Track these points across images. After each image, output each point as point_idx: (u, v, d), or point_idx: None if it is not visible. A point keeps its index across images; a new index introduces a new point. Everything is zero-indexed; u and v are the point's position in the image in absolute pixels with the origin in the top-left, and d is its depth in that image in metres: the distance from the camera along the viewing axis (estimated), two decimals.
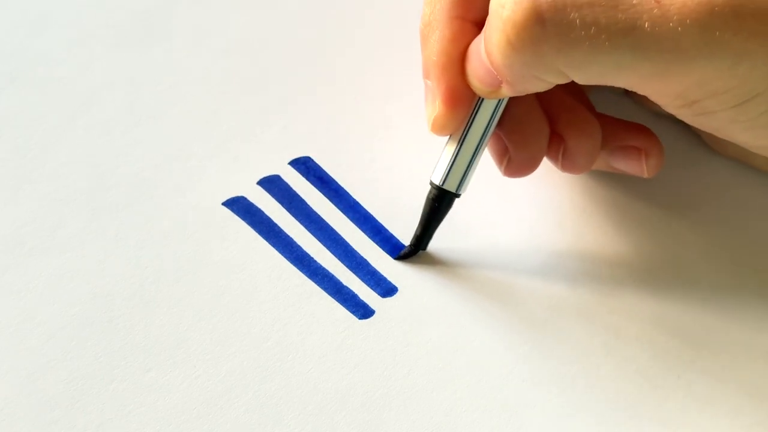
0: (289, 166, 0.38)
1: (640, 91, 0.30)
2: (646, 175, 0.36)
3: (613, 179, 0.38)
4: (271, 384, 0.32)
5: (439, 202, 0.35)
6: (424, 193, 0.35)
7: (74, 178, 0.37)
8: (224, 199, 0.36)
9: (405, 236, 0.36)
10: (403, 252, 0.36)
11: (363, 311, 0.34)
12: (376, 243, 0.36)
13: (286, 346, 0.33)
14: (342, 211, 0.37)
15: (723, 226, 0.37)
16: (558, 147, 0.35)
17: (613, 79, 0.30)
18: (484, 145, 0.34)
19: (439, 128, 0.33)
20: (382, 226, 0.36)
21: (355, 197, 0.37)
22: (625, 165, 0.36)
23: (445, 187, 0.34)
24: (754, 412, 0.33)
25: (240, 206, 0.36)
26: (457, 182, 0.34)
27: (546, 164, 0.36)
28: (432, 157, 0.38)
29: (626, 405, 0.32)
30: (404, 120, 0.39)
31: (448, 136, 0.34)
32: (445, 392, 0.32)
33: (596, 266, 0.36)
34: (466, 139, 0.33)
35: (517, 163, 0.35)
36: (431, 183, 0.34)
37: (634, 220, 0.37)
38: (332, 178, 0.38)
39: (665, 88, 0.30)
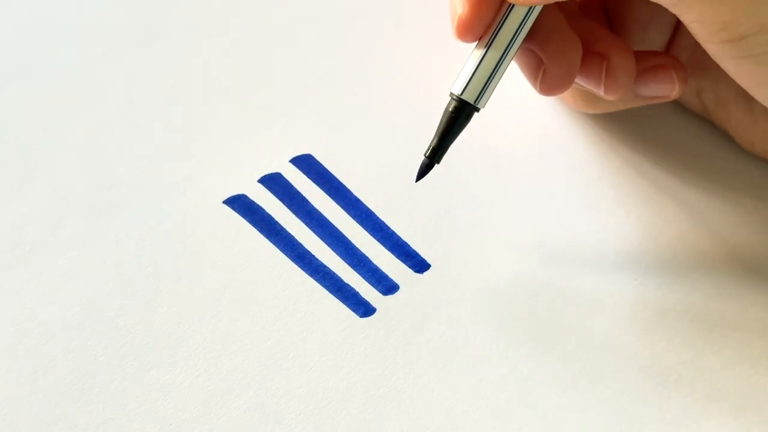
0: (290, 164, 0.38)
1: (684, 15, 0.29)
2: (676, 93, 0.35)
3: (616, 172, 0.38)
4: (271, 383, 0.32)
5: (458, 114, 0.33)
6: (425, 191, 0.35)
7: (74, 177, 0.37)
8: (225, 198, 0.36)
9: (407, 233, 0.36)
10: (420, 169, 0.33)
11: (364, 309, 0.34)
12: (378, 240, 0.36)
13: (287, 345, 0.33)
14: (343, 209, 0.37)
15: (727, 224, 0.37)
16: (600, 65, 0.34)
17: None
18: (510, 55, 0.32)
19: (463, 29, 0.31)
20: (384, 224, 0.36)
21: (356, 194, 0.37)
22: (655, 87, 0.35)
23: (463, 96, 0.32)
24: (757, 412, 0.32)
25: (241, 204, 0.36)
26: (477, 92, 0.32)
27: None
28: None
29: (627, 404, 0.32)
30: (405, 117, 0.39)
31: (474, 46, 0.33)
32: (446, 391, 0.32)
33: (597, 264, 0.36)
34: (491, 46, 0.32)
35: (552, 77, 0.33)
36: (451, 94, 0.33)
37: (639, 220, 0.37)
38: (333, 176, 0.37)
39: (711, 11, 0.28)
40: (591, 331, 0.34)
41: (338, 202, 0.37)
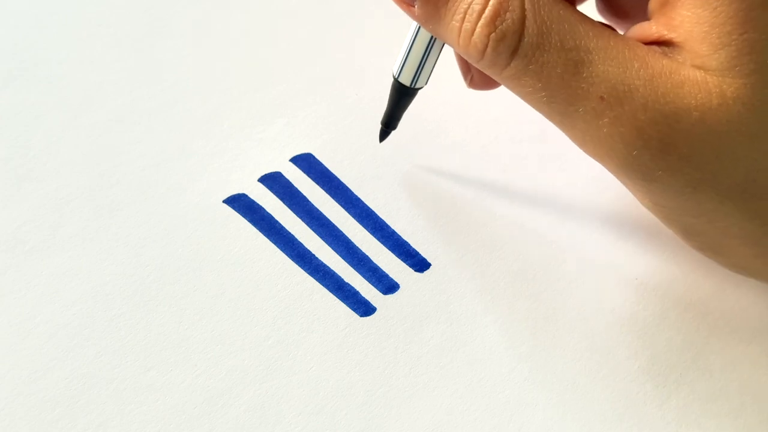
0: (291, 163, 0.38)
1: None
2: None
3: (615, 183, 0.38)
4: (271, 383, 0.32)
5: (401, 94, 0.35)
6: (425, 190, 0.35)
7: (75, 176, 0.37)
8: (225, 197, 0.36)
9: (407, 232, 0.36)
10: (379, 134, 0.37)
11: (364, 309, 0.34)
12: (378, 239, 0.36)
13: (287, 345, 0.33)
14: (344, 208, 0.37)
15: None
16: None
17: None
18: (437, 41, 0.33)
19: None
20: (384, 223, 0.36)
21: (356, 193, 0.37)
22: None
23: (400, 80, 0.34)
24: (757, 411, 0.32)
25: (241, 204, 0.36)
26: (411, 77, 0.34)
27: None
28: (432, 155, 0.38)
29: (628, 404, 0.32)
30: (405, 116, 0.39)
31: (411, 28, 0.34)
32: (446, 391, 0.32)
33: (598, 264, 0.36)
34: (420, 32, 0.33)
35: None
36: (392, 74, 0.35)
37: (638, 219, 0.37)
38: (334, 175, 0.37)
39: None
40: (591, 331, 0.34)
41: (338, 201, 0.37)
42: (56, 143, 0.37)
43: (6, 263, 0.34)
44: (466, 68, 0.35)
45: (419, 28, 0.33)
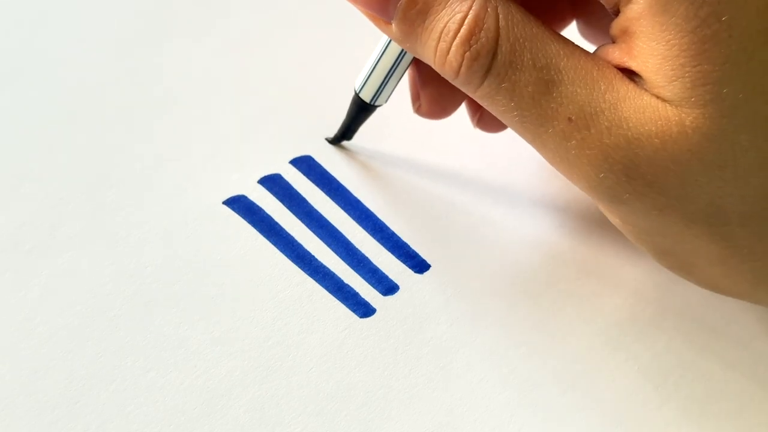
0: (290, 165, 0.38)
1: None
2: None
3: None
4: (271, 384, 0.32)
5: (360, 109, 0.36)
6: (425, 191, 0.35)
7: (74, 177, 0.36)
8: (225, 198, 0.36)
9: (406, 234, 0.36)
10: (332, 142, 0.38)
11: (364, 310, 0.34)
12: (378, 241, 0.36)
13: (287, 346, 0.33)
14: (343, 209, 0.37)
15: None
16: None
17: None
18: (403, 59, 0.34)
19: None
20: (384, 224, 0.36)
21: (356, 195, 0.37)
22: None
23: (361, 95, 0.35)
24: (756, 413, 0.32)
25: (241, 205, 0.36)
26: (372, 94, 0.35)
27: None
28: (432, 156, 0.38)
29: (628, 405, 0.32)
30: (404, 118, 0.39)
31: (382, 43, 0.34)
32: (446, 392, 0.32)
33: (598, 265, 0.36)
34: (388, 48, 0.34)
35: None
36: (354, 88, 0.36)
37: None
38: (333, 177, 0.37)
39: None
40: (591, 332, 0.34)
41: (338, 202, 0.37)
42: (56, 143, 0.37)
43: (6, 263, 0.34)
44: (416, 95, 0.36)
45: (386, 47, 0.34)
